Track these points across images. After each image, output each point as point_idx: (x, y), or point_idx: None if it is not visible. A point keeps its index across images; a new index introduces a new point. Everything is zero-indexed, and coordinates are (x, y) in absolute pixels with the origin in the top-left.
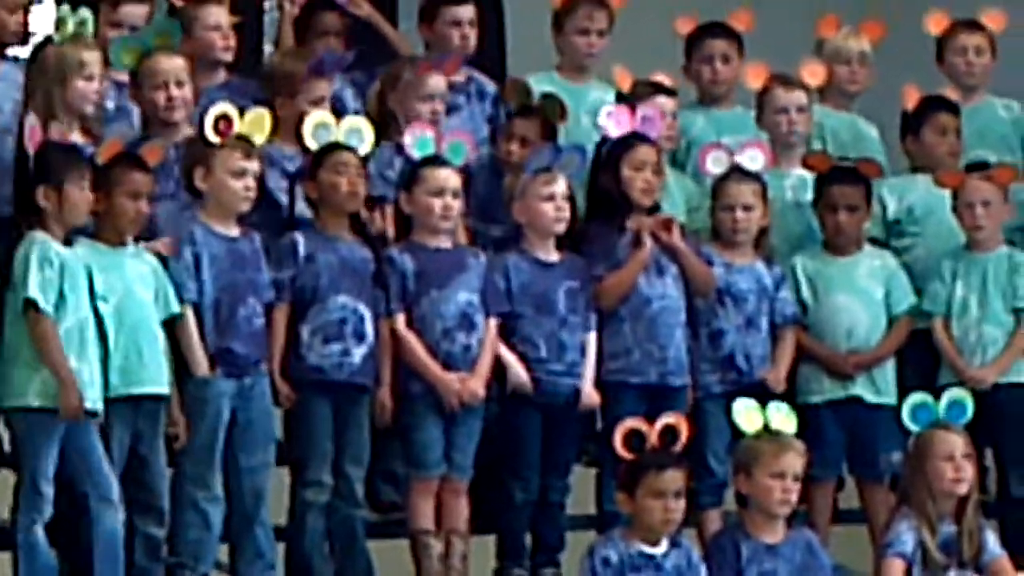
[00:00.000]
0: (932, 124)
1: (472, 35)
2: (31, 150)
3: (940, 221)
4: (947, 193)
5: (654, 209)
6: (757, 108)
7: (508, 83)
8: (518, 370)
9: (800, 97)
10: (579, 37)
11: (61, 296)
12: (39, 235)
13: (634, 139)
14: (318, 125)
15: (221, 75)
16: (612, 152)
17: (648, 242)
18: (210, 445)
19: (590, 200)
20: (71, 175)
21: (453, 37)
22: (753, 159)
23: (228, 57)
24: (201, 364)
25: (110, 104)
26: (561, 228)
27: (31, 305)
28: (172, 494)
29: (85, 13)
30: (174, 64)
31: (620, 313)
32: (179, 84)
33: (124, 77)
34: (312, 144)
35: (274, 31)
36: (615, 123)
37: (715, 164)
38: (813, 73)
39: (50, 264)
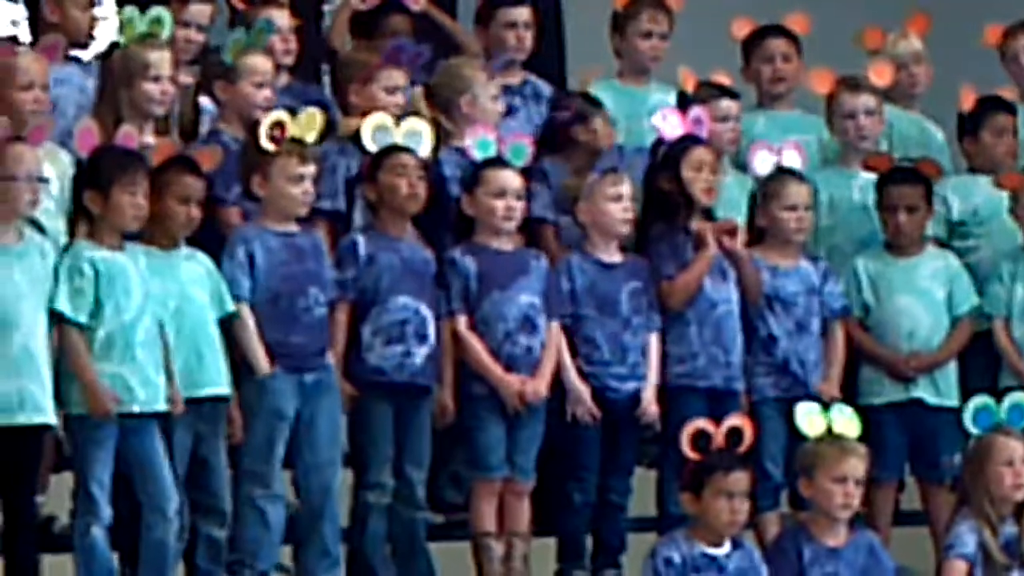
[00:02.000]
0: (990, 125)
1: (528, 37)
2: (83, 154)
3: (1004, 223)
4: (1006, 194)
5: (708, 211)
6: (827, 113)
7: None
8: (581, 393)
9: (868, 100)
10: (642, 40)
11: (98, 303)
12: (77, 244)
13: (690, 140)
14: (377, 127)
15: (283, 78)
16: (670, 153)
17: (712, 245)
18: (268, 443)
19: (648, 201)
20: (121, 180)
21: (509, 39)
22: (791, 159)
23: (289, 60)
24: (260, 363)
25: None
26: (627, 229)
27: (58, 317)
28: (234, 493)
29: (161, 11)
30: (269, 66)
31: (686, 316)
32: (271, 86)
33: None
34: (371, 146)
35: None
36: (669, 125)
37: (762, 164)
38: (880, 74)
39: (80, 273)
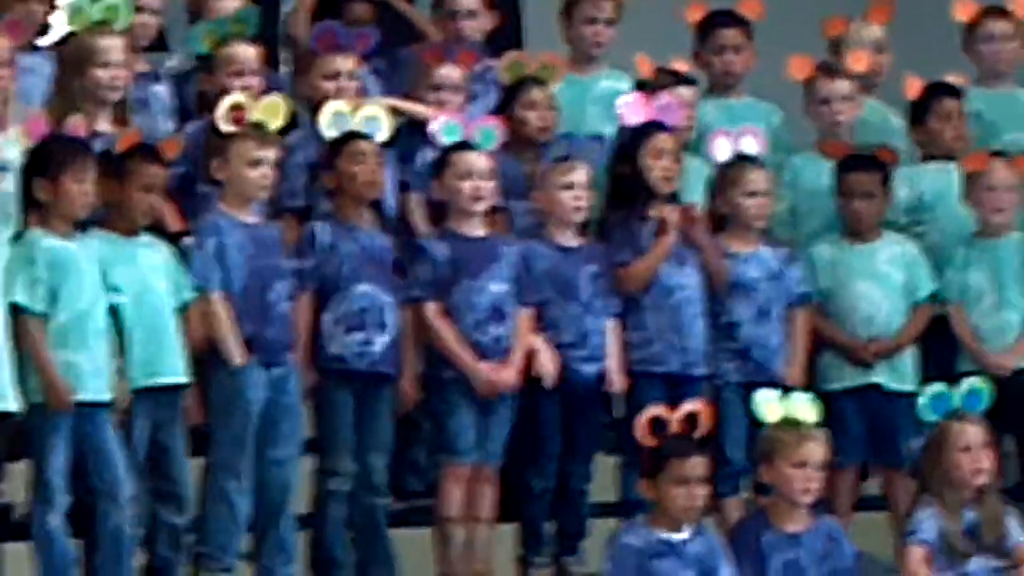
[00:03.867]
0: (936, 111)
1: (473, 25)
2: (29, 142)
3: (952, 208)
4: (955, 180)
5: (673, 197)
6: (805, 99)
7: (504, 59)
8: (547, 361)
9: (844, 86)
10: (586, 27)
11: (52, 292)
12: (30, 233)
13: (651, 127)
14: (335, 114)
15: None
16: (630, 140)
17: (672, 230)
18: (242, 435)
19: (610, 188)
20: (69, 168)
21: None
22: (749, 145)
23: None
24: (235, 353)
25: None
26: (580, 217)
27: (16, 307)
28: (202, 484)
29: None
30: (250, 53)
31: (642, 303)
32: (252, 73)
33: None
34: (329, 133)
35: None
36: (632, 111)
37: (721, 151)
38: (857, 60)
39: (34, 262)
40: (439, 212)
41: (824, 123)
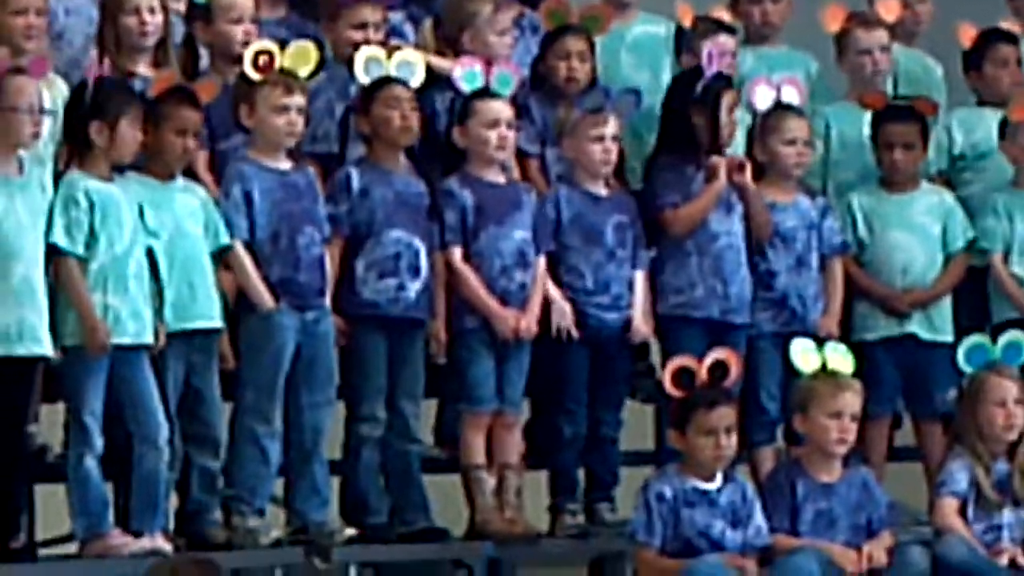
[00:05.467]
0: (992, 57)
1: None
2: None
3: (1000, 158)
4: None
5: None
6: (837, 49)
7: (545, 5)
8: (564, 309)
9: (882, 36)
10: None
11: (92, 234)
12: (70, 175)
13: (724, 81)
14: (369, 59)
15: (282, 10)
16: (710, 90)
17: (723, 178)
18: (272, 379)
19: (667, 132)
20: (126, 111)
21: None
22: (791, 95)
23: None
24: (264, 298)
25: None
26: (608, 170)
27: (55, 249)
28: (231, 428)
29: None
30: (248, 1)
31: (687, 247)
32: (253, 21)
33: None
34: (364, 78)
35: None
36: (712, 62)
37: (762, 99)
38: (888, 9)
39: (76, 204)
40: (452, 158)
41: (863, 73)
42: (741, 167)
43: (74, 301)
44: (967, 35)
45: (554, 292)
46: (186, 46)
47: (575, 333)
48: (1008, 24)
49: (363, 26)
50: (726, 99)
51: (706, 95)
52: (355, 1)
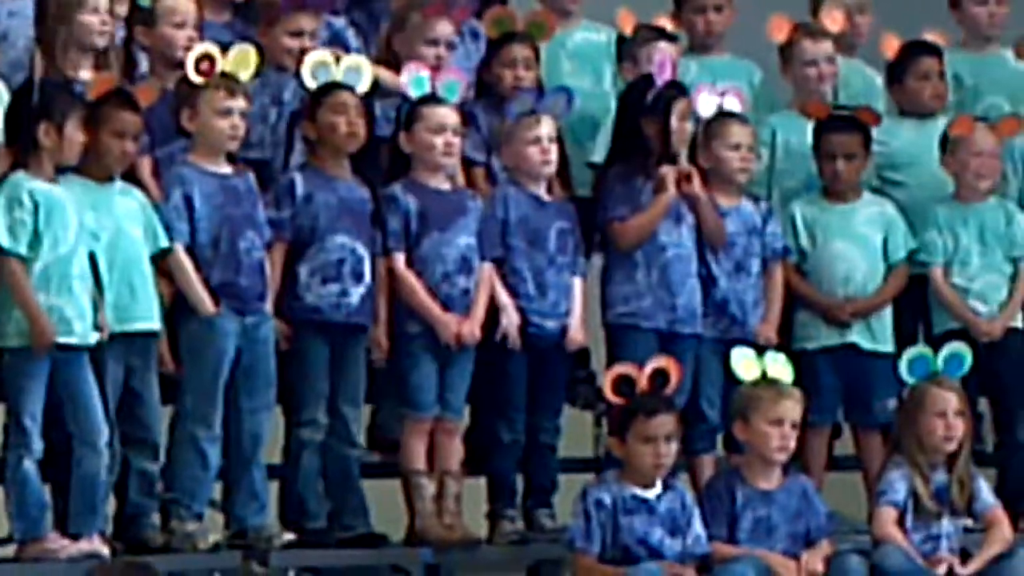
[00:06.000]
0: (914, 70)
1: None
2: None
3: (925, 167)
4: (934, 141)
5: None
6: (782, 59)
7: (490, 13)
8: (513, 316)
9: (828, 48)
10: None
11: (36, 235)
12: (14, 176)
13: (675, 89)
14: (317, 64)
15: (226, 15)
16: (659, 101)
17: (671, 188)
18: (213, 383)
19: (618, 143)
20: (72, 113)
21: None
22: (732, 104)
23: None
24: (204, 302)
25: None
26: (548, 171)
27: None
28: (171, 431)
29: None
30: (191, 6)
31: (635, 258)
32: (196, 26)
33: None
34: (311, 83)
35: None
36: (661, 71)
37: (705, 106)
38: (833, 20)
39: (20, 204)
40: (398, 164)
41: (809, 84)
42: (689, 177)
43: (18, 300)
44: (891, 46)
45: (505, 299)
46: (124, 49)
47: (516, 344)
48: (932, 36)
49: (299, 34)
50: (678, 107)
51: (657, 103)
52: (293, 8)
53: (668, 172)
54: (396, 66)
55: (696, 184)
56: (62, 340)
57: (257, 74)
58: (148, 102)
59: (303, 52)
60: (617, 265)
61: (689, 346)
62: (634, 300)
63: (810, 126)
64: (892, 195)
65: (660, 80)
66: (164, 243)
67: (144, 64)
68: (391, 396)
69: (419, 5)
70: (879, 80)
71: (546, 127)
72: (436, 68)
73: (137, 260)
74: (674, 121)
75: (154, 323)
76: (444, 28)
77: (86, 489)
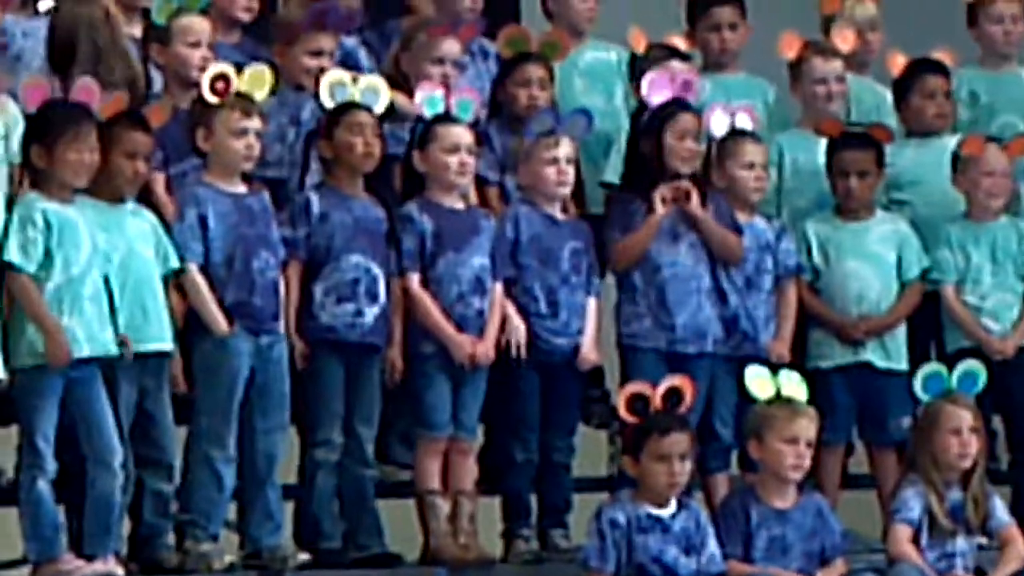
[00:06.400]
0: (919, 88)
1: None
2: (31, 108)
3: (930, 186)
4: (945, 160)
5: (692, 177)
6: (791, 77)
7: (504, 32)
8: (519, 326)
9: (838, 66)
10: (577, 1)
11: (47, 255)
12: (28, 196)
13: (676, 106)
14: (335, 83)
15: (236, 36)
16: (654, 119)
17: (661, 208)
18: (228, 404)
19: (628, 167)
20: (65, 135)
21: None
22: (744, 122)
23: (246, 17)
24: (219, 322)
25: None
26: (564, 192)
27: (9, 266)
28: (185, 452)
29: None
30: (205, 25)
31: (633, 279)
32: (209, 46)
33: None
34: (329, 102)
35: None
36: (656, 89)
37: (718, 125)
38: (844, 39)
39: (32, 224)
40: (410, 183)
41: (818, 102)
42: (688, 195)
43: (32, 316)
44: (897, 65)
45: (510, 310)
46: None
47: (523, 353)
48: (941, 55)
49: (319, 53)
50: (675, 125)
51: (652, 122)
52: (313, 28)
53: (659, 191)
54: (405, 86)
55: (695, 202)
56: (76, 355)
57: (273, 93)
58: (159, 122)
59: (322, 71)
60: (620, 286)
61: (697, 366)
62: (635, 321)
63: (819, 144)
64: (897, 214)
65: (649, 100)
66: (174, 264)
67: (159, 83)
68: (403, 416)
69: (426, 25)
70: (889, 98)
71: (564, 148)
72: (444, 87)
73: (149, 281)
74: (669, 139)
75: (167, 344)
76: (450, 47)
77: (100, 509)
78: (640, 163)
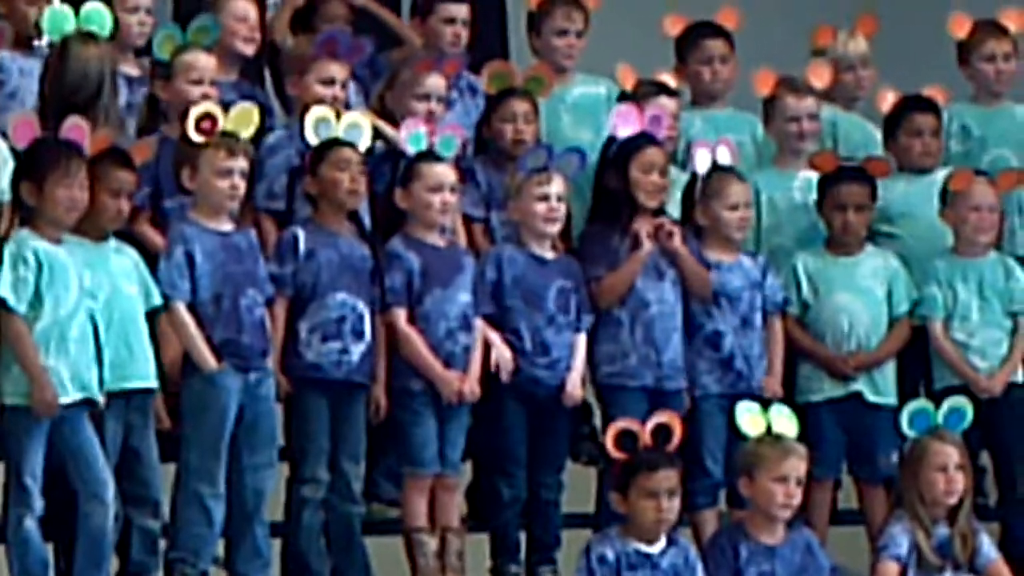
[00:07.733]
0: (906, 126)
1: (464, 34)
2: (20, 146)
3: (917, 222)
4: (934, 193)
5: (660, 211)
6: (764, 114)
7: (489, 68)
8: (503, 352)
9: (811, 104)
10: (557, 39)
11: (37, 294)
12: (20, 234)
13: (643, 140)
14: (319, 120)
15: (234, 74)
16: (620, 153)
17: (647, 244)
18: (217, 441)
19: (595, 200)
20: (55, 173)
21: (446, 34)
22: (724, 156)
23: (249, 50)
24: (207, 359)
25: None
26: (555, 229)
27: (0, 305)
28: (173, 489)
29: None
30: (209, 62)
31: (618, 316)
32: (212, 83)
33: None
34: (313, 139)
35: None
36: (624, 122)
37: (702, 162)
38: (819, 76)
39: (24, 262)
40: (392, 219)
41: (791, 140)
42: (670, 234)
43: (20, 359)
44: (886, 101)
45: (492, 336)
46: (148, 105)
47: (505, 376)
48: (932, 92)
49: (331, 82)
50: (640, 158)
51: (618, 157)
52: (326, 56)
53: (642, 227)
54: (391, 123)
55: (677, 240)
56: (61, 399)
57: (259, 133)
58: (143, 159)
59: (335, 100)
60: (602, 324)
61: (678, 400)
62: (620, 359)
63: (794, 180)
64: (886, 248)
65: (616, 133)
66: (157, 300)
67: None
68: (389, 453)
69: (410, 61)
70: (878, 135)
71: (556, 186)
72: (428, 122)
73: (133, 318)
74: (635, 172)
75: (151, 381)
76: (434, 82)
77: (94, 544)
78: (607, 196)
